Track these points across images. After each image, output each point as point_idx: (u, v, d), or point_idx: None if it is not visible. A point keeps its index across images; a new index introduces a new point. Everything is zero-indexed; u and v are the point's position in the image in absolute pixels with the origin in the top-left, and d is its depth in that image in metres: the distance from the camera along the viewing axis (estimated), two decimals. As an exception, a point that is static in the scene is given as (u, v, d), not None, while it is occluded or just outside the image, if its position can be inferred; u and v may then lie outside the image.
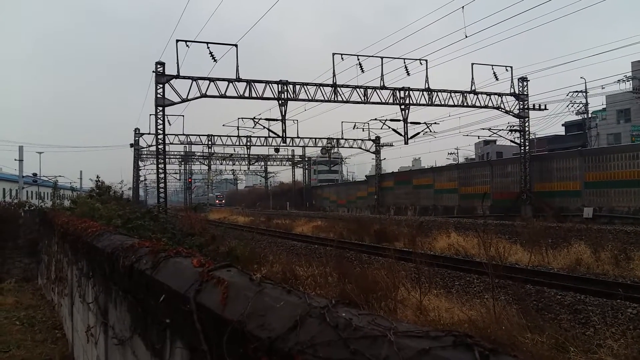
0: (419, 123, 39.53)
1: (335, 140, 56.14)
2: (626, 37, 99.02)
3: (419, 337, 1.08)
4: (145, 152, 59.56)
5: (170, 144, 50.95)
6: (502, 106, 34.61)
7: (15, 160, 44.95)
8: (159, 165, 30.31)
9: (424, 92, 32.66)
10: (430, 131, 40.99)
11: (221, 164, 76.70)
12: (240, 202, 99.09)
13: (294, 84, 30.60)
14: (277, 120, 34.05)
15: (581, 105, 51.97)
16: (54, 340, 8.40)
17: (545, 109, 37.42)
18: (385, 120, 40.61)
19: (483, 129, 44.34)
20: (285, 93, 30.35)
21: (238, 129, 48.12)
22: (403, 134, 35.07)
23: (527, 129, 35.90)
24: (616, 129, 51.50)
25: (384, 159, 62.10)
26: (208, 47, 27.93)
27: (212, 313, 1.83)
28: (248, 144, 56.47)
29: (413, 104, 32.95)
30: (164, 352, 2.47)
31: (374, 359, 1.07)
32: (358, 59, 30.82)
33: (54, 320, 9.74)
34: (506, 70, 33.57)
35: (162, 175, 30.04)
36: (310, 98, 31.15)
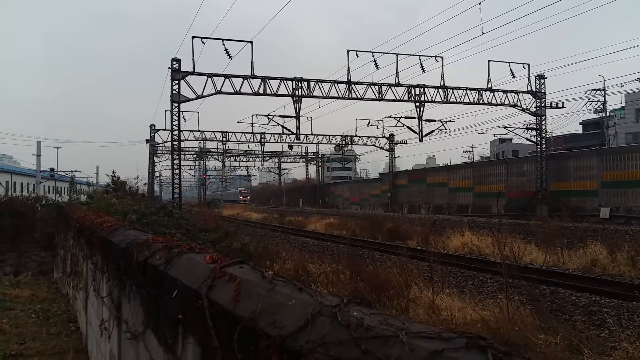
0: (434, 120, 39.40)
1: (349, 137, 56.06)
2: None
3: (431, 338, 1.07)
4: (161, 148, 60.08)
5: (185, 140, 51.34)
6: (519, 104, 34.27)
7: (33, 155, 45.58)
8: (174, 161, 30.54)
9: (439, 90, 32.46)
10: (445, 129, 40.76)
11: (235, 161, 77.02)
12: (254, 199, 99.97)
13: (309, 80, 30.60)
14: (291, 117, 34.12)
15: (599, 103, 51.26)
16: (69, 334, 8.50)
17: (563, 107, 37.01)
18: (400, 117, 40.48)
19: (499, 127, 44.12)
20: (300, 90, 30.36)
21: (252, 126, 48.26)
22: (417, 132, 34.93)
23: (543, 127, 35.51)
24: (635, 128, 50.70)
25: (398, 156, 61.98)
26: (223, 44, 28.05)
27: (224, 310, 1.83)
28: (262, 140, 56.63)
29: (428, 102, 32.79)
30: (176, 347, 2.48)
31: (385, 360, 1.06)
32: (373, 56, 30.74)
33: (68, 314, 9.86)
34: (523, 67, 33.25)
35: (177, 171, 30.26)
36: (324, 95, 31.13)
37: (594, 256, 14.35)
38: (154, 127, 55.80)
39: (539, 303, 9.39)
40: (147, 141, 57.69)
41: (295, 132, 33.24)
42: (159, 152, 61.78)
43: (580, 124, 59.21)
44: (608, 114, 52.78)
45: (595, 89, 50.08)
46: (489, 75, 32.68)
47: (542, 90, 34.40)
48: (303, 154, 75.90)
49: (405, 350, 1.04)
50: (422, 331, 1.11)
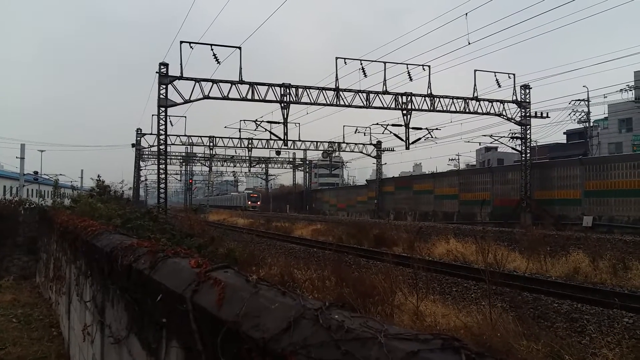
0: (421, 128, 39.69)
1: (336, 144, 56.19)
2: (629, 46, 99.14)
3: (408, 339, 1.10)
4: (147, 152, 59.67)
5: (172, 144, 51.07)
6: (504, 113, 34.66)
7: (16, 157, 45.07)
8: (160, 166, 30.36)
9: (426, 98, 32.73)
10: (432, 137, 41.09)
11: (222, 166, 76.79)
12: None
13: (297, 87, 30.66)
14: (279, 122, 34.09)
15: (583, 113, 52.04)
16: (51, 339, 8.41)
17: (547, 116, 37.53)
18: (387, 125, 40.69)
19: (484, 135, 44.55)
20: (288, 96, 30.40)
21: (240, 131, 48.17)
22: (404, 139, 35.16)
23: (528, 136, 35.93)
24: (618, 138, 51.53)
25: (385, 163, 62.21)
26: (212, 49, 28.02)
27: (208, 313, 1.85)
28: (249, 146, 56.55)
29: (415, 110, 33.00)
30: (159, 351, 2.49)
31: (364, 361, 1.09)
32: (361, 64, 30.91)
33: (51, 319, 9.75)
34: (509, 77, 33.67)
35: (163, 176, 30.07)
36: (312, 101, 31.20)
37: (576, 264, 14.55)
38: (141, 131, 55.44)
39: (522, 310, 9.51)
40: (133, 145, 57.26)
41: (282, 138, 33.25)
42: (145, 156, 61.36)
43: (564, 133, 60.08)
44: (592, 124, 53.60)
45: (579, 100, 50.94)
46: (475, 85, 33.05)
47: (527, 100, 34.83)
48: (290, 160, 75.86)
49: (383, 351, 1.07)
50: (400, 333, 1.14)
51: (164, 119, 28.37)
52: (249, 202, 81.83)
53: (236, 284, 1.91)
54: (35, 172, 55.32)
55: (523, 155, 35.84)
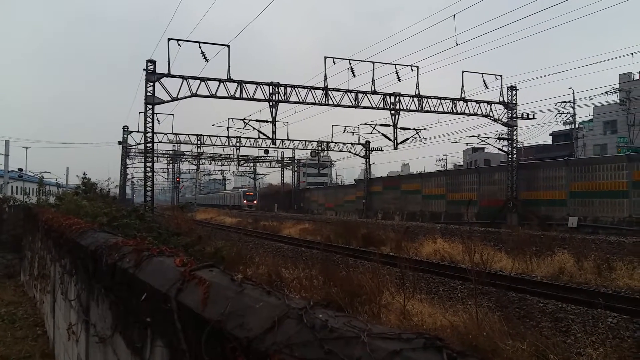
0: (409, 129, 39.94)
1: (325, 143, 56.28)
2: (615, 49, 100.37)
3: (391, 339, 1.11)
4: (134, 150, 59.30)
5: (159, 142, 50.80)
6: (491, 114, 34.94)
7: (0, 154, 44.48)
8: (147, 164, 30.15)
9: (414, 98, 32.87)
10: (420, 137, 41.34)
11: (210, 164, 76.59)
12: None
13: (285, 86, 30.64)
14: (267, 121, 34.10)
15: (569, 115, 52.59)
16: (35, 338, 8.32)
17: (534, 118, 37.92)
18: (375, 125, 40.83)
19: (472, 136, 44.80)
20: (276, 95, 30.37)
21: (228, 130, 48.10)
22: (392, 139, 35.27)
23: (515, 137, 36.25)
24: (602, 140, 52.15)
25: (373, 163, 62.56)
26: (200, 47, 27.89)
27: (193, 312, 1.84)
28: (237, 144, 56.42)
29: (403, 110, 33.16)
30: (144, 350, 2.47)
31: (347, 359, 1.09)
32: (350, 63, 30.95)
33: (35, 318, 9.64)
34: (496, 78, 33.95)
35: (150, 174, 29.87)
36: (301, 100, 31.20)
37: (561, 264, 14.68)
38: (127, 128, 55.08)
39: (508, 309, 9.58)
40: (119, 143, 56.84)
41: (271, 136, 33.21)
42: (132, 154, 60.95)
43: (550, 135, 60.77)
44: (577, 126, 54.19)
45: (565, 101, 51.45)
46: (462, 86, 33.26)
47: (514, 102, 35.14)
48: (279, 158, 75.78)
49: (366, 350, 1.08)
50: (383, 332, 1.15)
51: (151, 117, 28.18)
52: (245, 201, 75.91)
53: (221, 283, 1.90)
54: (20, 170, 54.66)
55: (509, 156, 36.15)
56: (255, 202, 75.45)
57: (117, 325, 3.06)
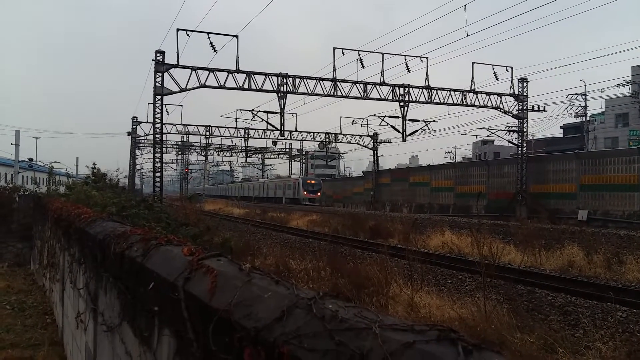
0: (418, 120, 39.64)
1: (333, 135, 56.07)
2: (627, 41, 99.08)
3: (403, 330, 1.08)
4: (143, 141, 59.43)
5: (168, 133, 50.90)
6: (501, 106, 34.62)
7: (11, 144, 44.79)
8: (156, 154, 30.25)
9: (424, 90, 32.62)
10: (429, 129, 41.03)
11: (218, 155, 76.59)
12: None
13: (294, 77, 30.53)
14: (275, 113, 34.01)
15: (580, 108, 52.09)
16: (44, 326, 8.39)
17: (544, 110, 37.52)
18: (384, 116, 40.59)
19: (481, 128, 44.45)
20: (285, 86, 30.27)
21: (236, 121, 47.98)
22: (401, 131, 35.07)
23: (525, 130, 35.92)
24: (614, 133, 51.59)
25: (382, 155, 62.34)
26: (209, 37, 27.81)
27: (200, 302, 1.82)
28: (246, 135, 56.37)
29: (412, 101, 32.93)
30: (151, 339, 2.46)
31: (358, 351, 1.06)
32: (359, 54, 30.73)
33: (44, 306, 9.74)
34: (506, 70, 33.55)
35: (159, 164, 29.97)
36: (309, 92, 31.08)
37: (570, 258, 14.59)
38: (136, 119, 55.18)
39: (516, 302, 9.53)
40: (128, 133, 56.99)
41: (279, 128, 33.15)
42: (141, 144, 61.09)
43: (560, 127, 60.15)
44: (588, 119, 53.65)
45: (576, 94, 50.91)
46: (472, 77, 32.96)
47: (525, 94, 34.78)
48: (287, 150, 75.69)
49: (377, 342, 1.05)
50: (395, 324, 1.12)
51: (159, 107, 28.22)
52: (305, 192, 55.94)
53: (229, 272, 1.88)
54: (30, 159, 55.06)
55: (519, 148, 35.87)
56: (319, 194, 57.76)
57: (124, 313, 3.06)
